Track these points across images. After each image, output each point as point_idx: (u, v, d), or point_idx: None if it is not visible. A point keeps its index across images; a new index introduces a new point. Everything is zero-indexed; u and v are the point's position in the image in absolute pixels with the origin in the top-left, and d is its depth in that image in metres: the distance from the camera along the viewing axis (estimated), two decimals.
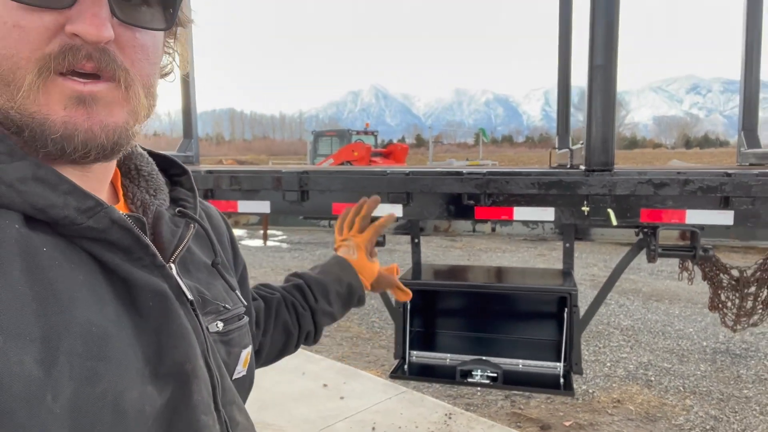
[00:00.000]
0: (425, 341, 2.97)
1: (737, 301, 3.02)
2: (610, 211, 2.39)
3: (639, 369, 4.58)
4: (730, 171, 2.28)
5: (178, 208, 0.67)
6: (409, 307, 2.78)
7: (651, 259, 2.43)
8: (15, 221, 0.49)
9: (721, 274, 3.33)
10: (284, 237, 11.97)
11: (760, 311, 2.95)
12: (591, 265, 8.99)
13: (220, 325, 0.69)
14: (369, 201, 1.14)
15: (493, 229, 3.00)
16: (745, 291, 3.00)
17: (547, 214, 2.49)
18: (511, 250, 10.33)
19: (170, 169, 0.73)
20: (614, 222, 2.38)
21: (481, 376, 2.57)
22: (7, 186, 0.48)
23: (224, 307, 0.70)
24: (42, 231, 0.50)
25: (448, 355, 2.80)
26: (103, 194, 0.61)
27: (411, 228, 3.10)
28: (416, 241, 3.09)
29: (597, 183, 2.37)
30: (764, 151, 3.04)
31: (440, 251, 10.21)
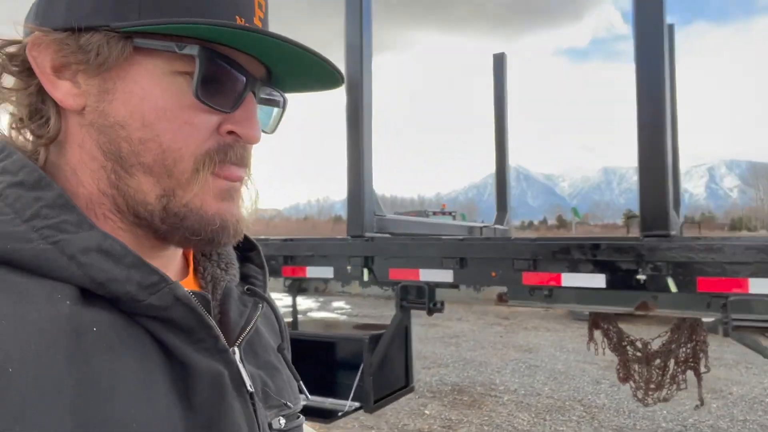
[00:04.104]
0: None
1: (644, 373, 2.95)
2: None
3: None
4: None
5: (247, 286, 0.65)
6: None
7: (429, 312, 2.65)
8: (67, 297, 0.45)
9: (627, 346, 3.16)
10: (349, 310, 12.23)
11: (669, 385, 2.87)
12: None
13: (283, 421, 0.63)
14: None
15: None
16: (652, 363, 2.90)
17: None
18: None
19: (240, 243, 0.65)
20: None
21: None
22: (69, 258, 0.46)
23: (285, 404, 0.64)
24: (99, 307, 0.47)
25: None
26: (173, 267, 0.60)
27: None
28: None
29: None
30: None
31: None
